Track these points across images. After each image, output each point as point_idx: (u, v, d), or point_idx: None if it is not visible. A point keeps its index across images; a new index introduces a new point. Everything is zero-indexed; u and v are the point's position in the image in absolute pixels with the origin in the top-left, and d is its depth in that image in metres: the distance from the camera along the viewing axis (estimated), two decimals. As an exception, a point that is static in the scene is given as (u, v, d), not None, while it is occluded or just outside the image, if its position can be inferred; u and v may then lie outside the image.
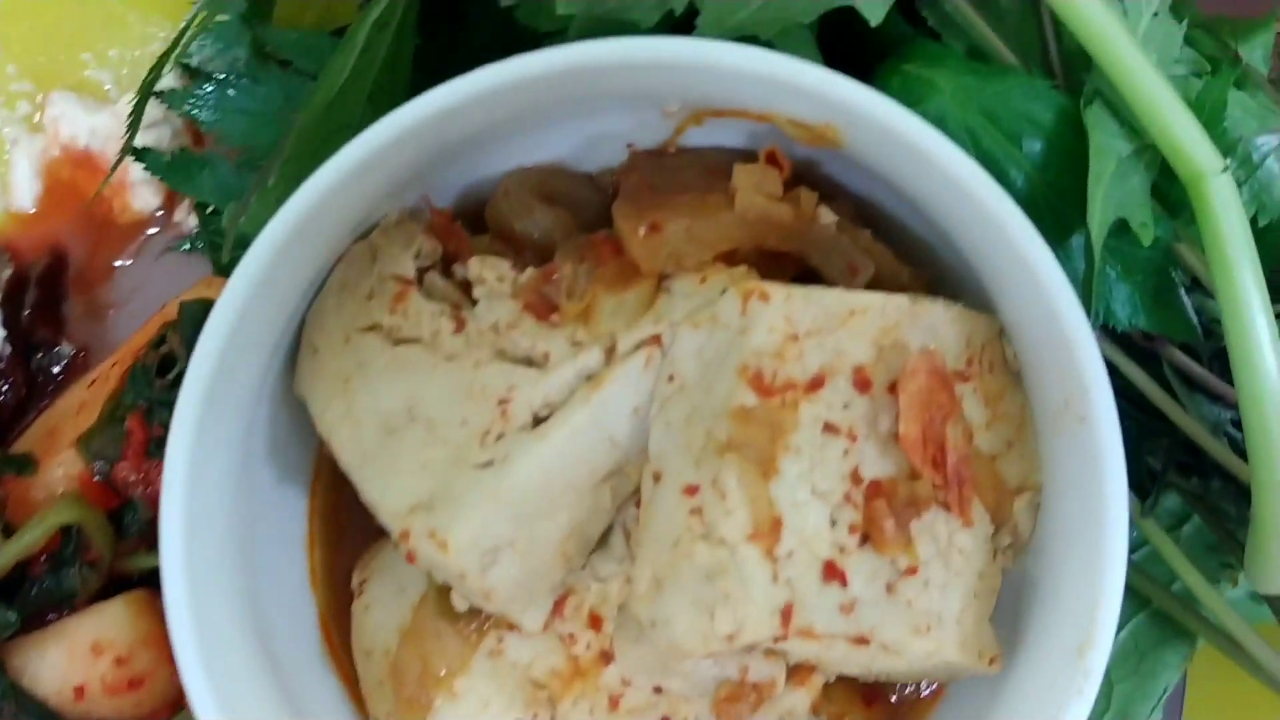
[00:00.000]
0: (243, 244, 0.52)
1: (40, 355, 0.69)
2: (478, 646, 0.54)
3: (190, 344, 0.60)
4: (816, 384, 0.48)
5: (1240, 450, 0.54)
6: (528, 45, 0.55)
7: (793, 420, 0.48)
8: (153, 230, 0.71)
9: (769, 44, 0.51)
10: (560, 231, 0.56)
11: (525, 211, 0.57)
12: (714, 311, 0.49)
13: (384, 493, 0.51)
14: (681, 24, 0.51)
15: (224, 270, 0.66)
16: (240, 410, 0.54)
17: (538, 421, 0.50)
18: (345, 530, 0.60)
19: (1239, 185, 0.54)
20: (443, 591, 0.53)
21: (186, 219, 0.70)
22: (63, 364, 0.70)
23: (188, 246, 0.70)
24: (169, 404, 0.59)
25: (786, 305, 0.48)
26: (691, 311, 0.51)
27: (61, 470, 0.62)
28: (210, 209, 0.67)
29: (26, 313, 0.68)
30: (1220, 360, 0.56)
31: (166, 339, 0.61)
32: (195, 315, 0.60)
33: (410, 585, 0.56)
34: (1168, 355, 0.56)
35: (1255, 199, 0.53)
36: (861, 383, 0.49)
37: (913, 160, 0.48)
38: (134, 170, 0.69)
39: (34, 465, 0.61)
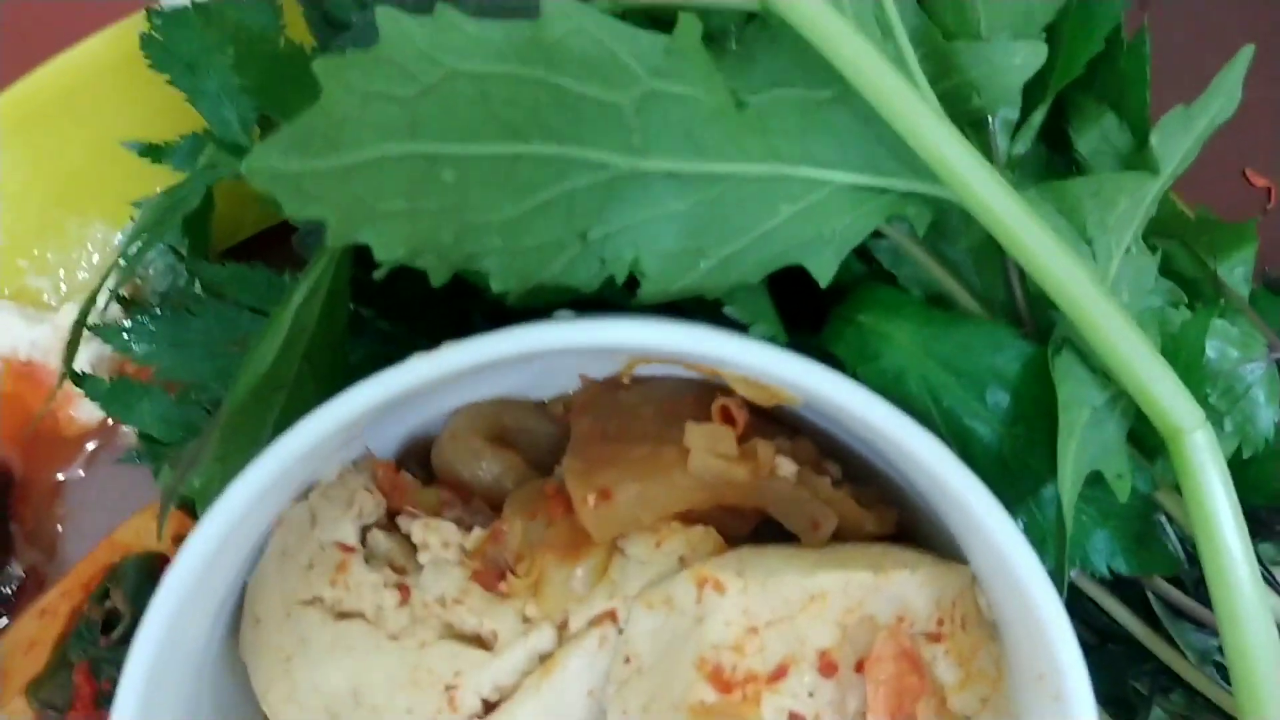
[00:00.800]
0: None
1: (-9, 579, 0.67)
2: None
3: (133, 600, 0.58)
4: (779, 674, 0.46)
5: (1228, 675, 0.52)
6: (470, 291, 0.53)
7: (755, 715, 0.45)
8: (99, 442, 0.69)
9: (717, 301, 0.49)
10: (510, 476, 0.54)
11: (473, 457, 0.54)
12: (669, 594, 0.47)
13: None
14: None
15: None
16: (185, 679, 0.51)
17: (488, 707, 0.48)
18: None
19: (1222, 416, 0.51)
20: None
21: (133, 429, 0.68)
22: (14, 585, 0.67)
23: (135, 459, 0.67)
24: (115, 661, 0.57)
25: (743, 597, 0.45)
26: (647, 585, 0.48)
27: (12, 721, 0.60)
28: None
29: (-27, 538, 0.66)
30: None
31: (110, 594, 0.58)
32: (137, 570, 0.58)
33: None
34: (1151, 585, 0.53)
35: (1239, 431, 0.51)
36: (827, 667, 0.46)
37: (868, 429, 0.46)
38: (79, 382, 0.67)
39: (-22, 721, 0.59)
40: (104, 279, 0.60)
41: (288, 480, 0.49)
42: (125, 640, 0.57)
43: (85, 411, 0.68)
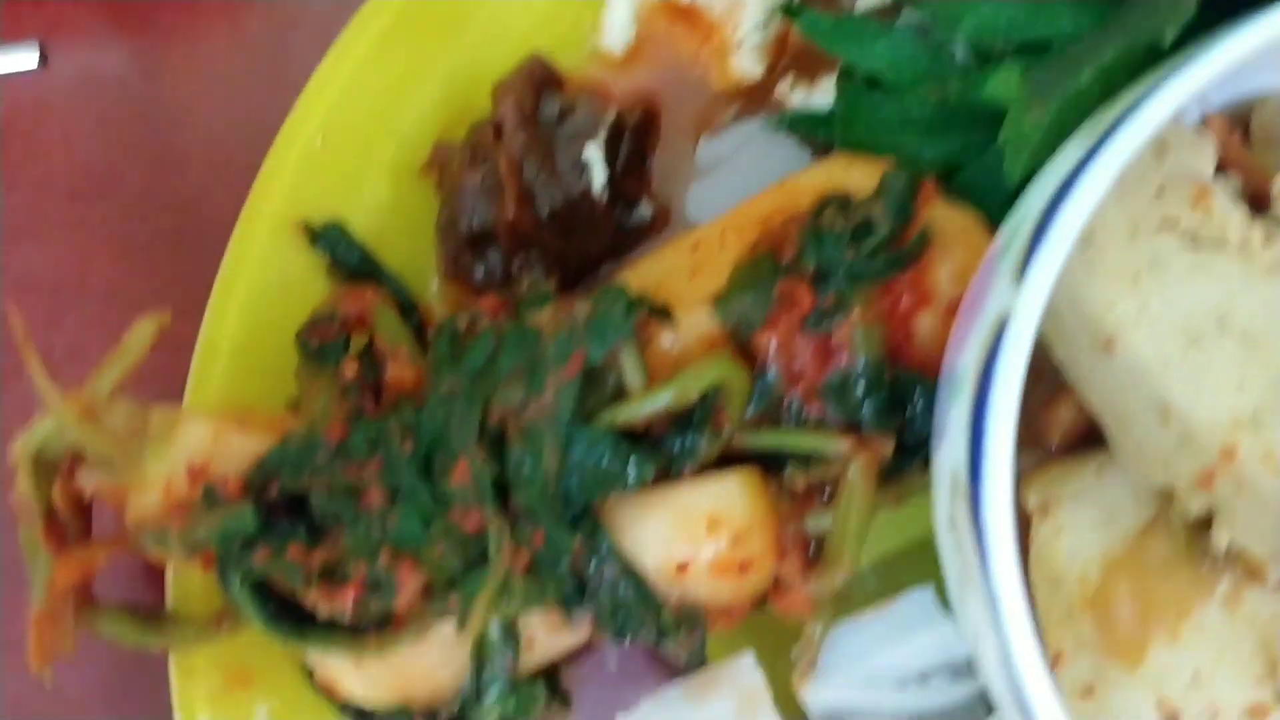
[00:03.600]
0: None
1: (620, 210, 0.64)
2: (1212, 591, 0.49)
3: (894, 213, 0.55)
4: None
5: None
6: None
7: None
8: (742, 104, 0.66)
9: None
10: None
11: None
12: None
13: (1195, 403, 0.46)
14: None
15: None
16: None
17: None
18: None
19: None
20: (1193, 526, 0.48)
21: (789, 94, 0.65)
22: (640, 223, 0.65)
23: (786, 124, 0.65)
24: (856, 275, 0.55)
25: None
26: None
27: (694, 330, 0.57)
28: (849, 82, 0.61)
29: (620, 164, 0.64)
30: None
31: (847, 207, 0.55)
32: (897, 187, 0.55)
33: (1123, 513, 0.51)
34: None
35: None
36: None
37: None
38: (743, 34, 0.64)
39: (671, 316, 0.56)
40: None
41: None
42: (875, 253, 0.54)
43: (743, 65, 0.65)
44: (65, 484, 0.54)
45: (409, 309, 0.62)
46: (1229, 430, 0.45)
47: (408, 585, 0.51)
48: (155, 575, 0.62)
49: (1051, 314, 0.51)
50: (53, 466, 0.54)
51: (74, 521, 0.55)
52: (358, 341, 0.60)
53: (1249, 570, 0.49)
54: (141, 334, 0.54)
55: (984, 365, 0.44)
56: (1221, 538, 0.48)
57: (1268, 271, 0.47)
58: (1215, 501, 0.47)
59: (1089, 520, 0.52)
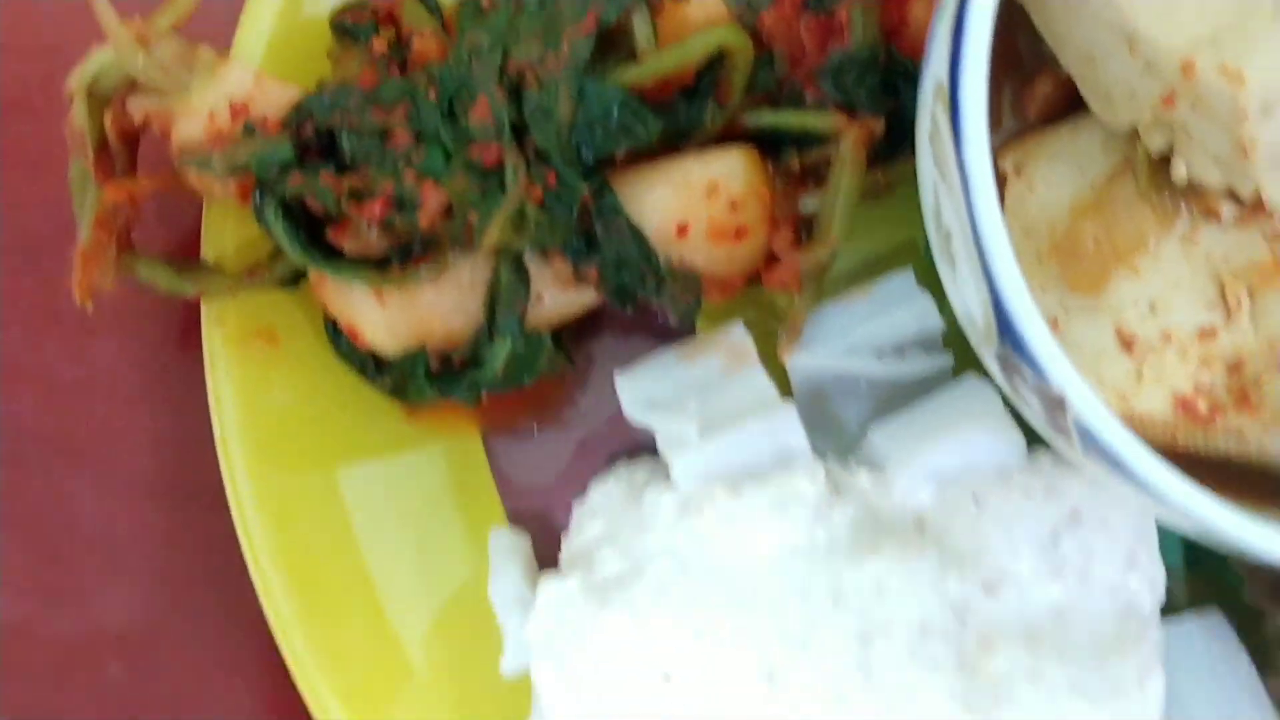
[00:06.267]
0: None
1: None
2: (1170, 229, 0.53)
3: None
4: None
5: None
6: None
7: None
8: None
9: None
10: None
11: None
12: None
13: (1160, 26, 0.50)
14: None
15: None
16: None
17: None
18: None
19: None
20: (1154, 165, 0.53)
21: None
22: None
23: None
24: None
25: None
26: None
27: (702, 11, 0.61)
28: None
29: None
30: None
31: None
32: None
33: (1090, 166, 0.56)
34: None
35: None
36: None
37: None
38: None
39: (678, -8, 0.60)
40: None
41: None
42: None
43: None
44: (116, 114, 0.58)
45: (434, 8, 0.67)
46: (1189, 49, 0.49)
47: (430, 202, 0.56)
48: (189, 247, 0.67)
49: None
50: (105, 98, 0.58)
51: (122, 153, 0.59)
52: (387, 33, 0.65)
53: (1205, 208, 0.53)
54: (195, -17, 0.58)
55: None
56: (1180, 169, 0.52)
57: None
58: (1175, 129, 0.51)
59: (1060, 175, 0.56)
